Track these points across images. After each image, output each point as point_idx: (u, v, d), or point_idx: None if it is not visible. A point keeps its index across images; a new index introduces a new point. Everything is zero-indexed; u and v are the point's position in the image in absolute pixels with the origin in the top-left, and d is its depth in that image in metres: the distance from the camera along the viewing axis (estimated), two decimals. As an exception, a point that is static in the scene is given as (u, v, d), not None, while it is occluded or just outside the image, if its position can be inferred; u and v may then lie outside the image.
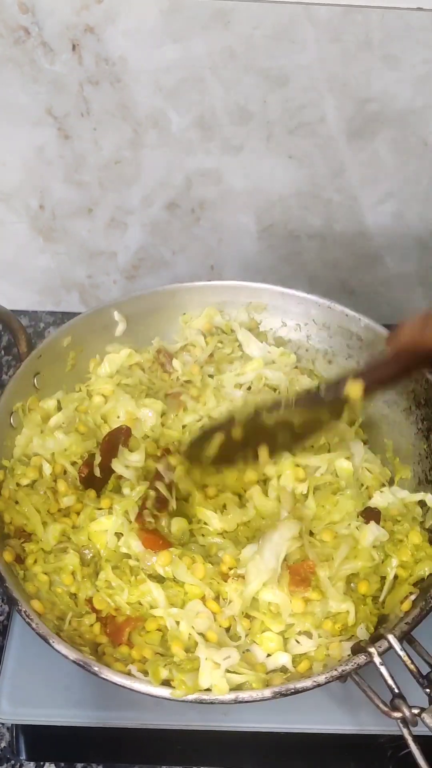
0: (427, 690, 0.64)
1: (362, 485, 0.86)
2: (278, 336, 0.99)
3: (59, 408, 0.90)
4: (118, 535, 0.78)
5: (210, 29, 0.89)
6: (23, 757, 0.80)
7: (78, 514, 0.81)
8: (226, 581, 0.74)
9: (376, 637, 0.68)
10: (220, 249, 1.14)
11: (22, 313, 1.21)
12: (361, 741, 0.79)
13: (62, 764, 0.79)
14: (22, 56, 0.92)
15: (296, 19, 0.88)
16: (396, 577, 0.77)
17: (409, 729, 0.62)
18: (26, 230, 1.11)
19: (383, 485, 0.86)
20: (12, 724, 0.81)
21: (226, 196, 1.06)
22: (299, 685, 0.65)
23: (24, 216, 1.09)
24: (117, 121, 0.98)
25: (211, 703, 0.65)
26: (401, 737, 0.71)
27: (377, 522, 0.79)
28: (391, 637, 0.66)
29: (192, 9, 0.88)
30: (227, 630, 0.73)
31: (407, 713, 0.62)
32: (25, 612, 0.69)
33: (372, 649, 0.65)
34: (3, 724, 0.81)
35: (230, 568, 0.75)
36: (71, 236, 1.12)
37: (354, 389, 0.69)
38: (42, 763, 0.79)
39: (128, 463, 0.83)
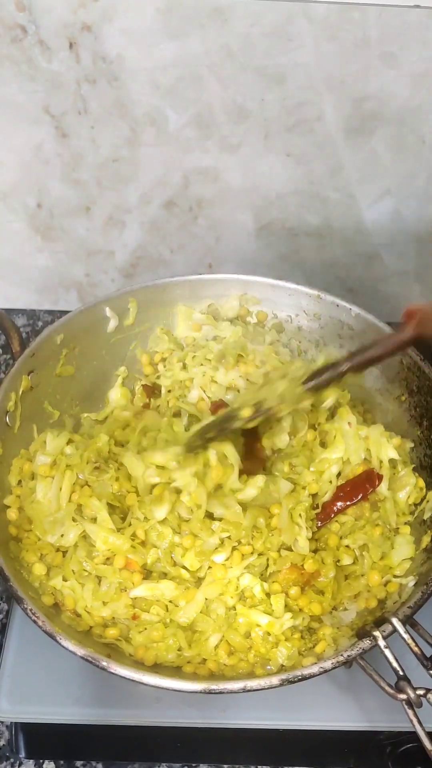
0: (431, 672, 0.65)
1: None
2: (277, 323, 1.00)
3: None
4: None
5: (207, 27, 0.89)
6: (22, 755, 0.80)
7: None
8: None
9: (380, 621, 0.68)
10: (217, 247, 1.14)
11: (20, 312, 1.21)
12: (360, 737, 0.79)
13: (62, 762, 0.79)
14: (19, 54, 0.92)
15: (293, 17, 0.88)
16: None
17: (414, 710, 0.64)
18: (24, 229, 1.11)
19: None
20: (11, 722, 0.81)
21: (224, 194, 1.07)
22: (306, 671, 0.66)
23: (22, 215, 1.09)
24: (114, 120, 0.98)
25: (220, 692, 0.65)
26: (401, 733, 0.72)
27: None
28: (395, 621, 0.67)
29: (189, 7, 0.88)
30: None
31: (412, 694, 0.64)
32: (30, 610, 0.69)
33: (376, 633, 0.67)
34: (2, 722, 0.81)
35: None
36: (69, 235, 1.12)
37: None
38: (41, 760, 0.79)
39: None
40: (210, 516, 0.78)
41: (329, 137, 1.00)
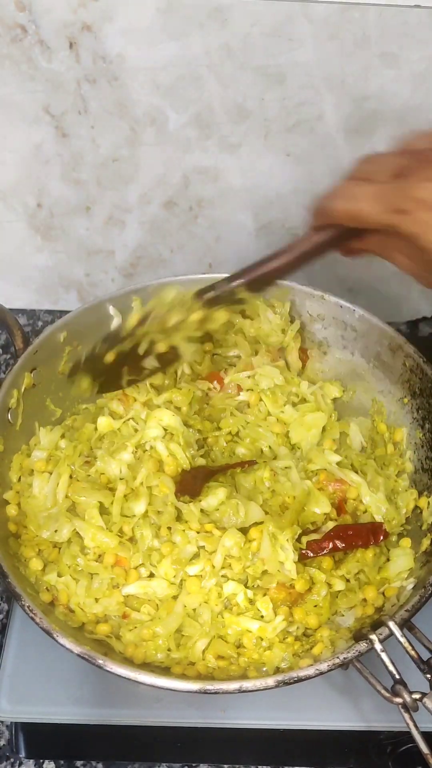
0: (428, 675, 0.66)
1: None
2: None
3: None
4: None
5: (207, 27, 0.89)
6: (22, 754, 0.80)
7: None
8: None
9: (376, 624, 0.68)
10: (217, 247, 1.14)
11: (20, 312, 1.21)
12: (360, 737, 0.79)
13: (62, 762, 0.79)
14: (19, 54, 0.92)
15: (293, 17, 0.88)
16: None
17: (410, 714, 0.64)
18: (24, 229, 1.11)
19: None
20: (11, 722, 0.81)
21: (224, 194, 1.06)
22: (302, 673, 0.65)
23: (22, 214, 1.09)
24: (114, 119, 0.98)
25: (216, 693, 0.65)
26: (401, 733, 0.72)
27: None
28: (391, 624, 0.67)
29: (189, 7, 0.88)
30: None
31: (408, 698, 0.64)
32: (28, 607, 0.69)
33: (373, 636, 0.67)
34: (2, 722, 0.81)
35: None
36: (69, 235, 1.12)
37: None
38: (41, 760, 0.79)
39: None
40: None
41: (329, 137, 1.00)
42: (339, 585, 0.77)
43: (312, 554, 0.78)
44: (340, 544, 0.78)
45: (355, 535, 0.79)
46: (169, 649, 0.73)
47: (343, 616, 0.77)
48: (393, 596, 0.76)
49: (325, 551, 0.78)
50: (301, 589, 0.75)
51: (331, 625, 0.76)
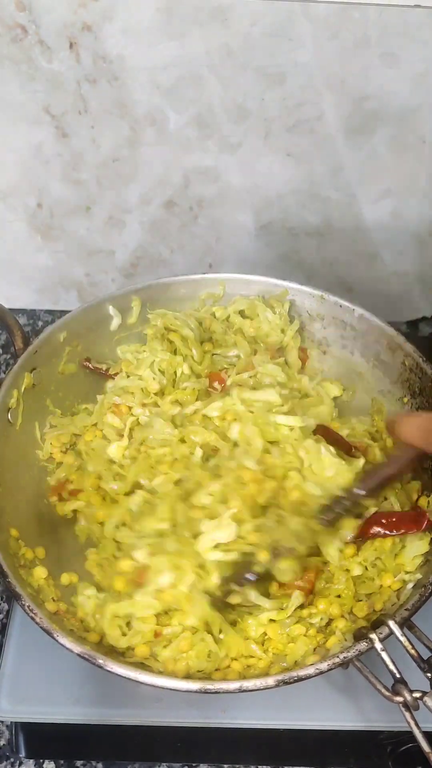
0: (428, 674, 0.65)
1: None
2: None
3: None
4: None
5: (207, 27, 0.89)
6: (23, 754, 0.80)
7: None
8: None
9: (376, 624, 0.68)
10: (218, 247, 1.14)
11: (21, 312, 1.21)
12: (360, 737, 0.79)
13: (62, 762, 0.79)
14: (20, 54, 0.92)
15: (294, 17, 0.88)
16: None
17: (411, 713, 0.64)
18: (24, 229, 1.11)
19: None
20: (11, 722, 0.81)
21: (224, 194, 1.07)
22: (302, 672, 0.65)
23: (22, 214, 1.09)
24: (115, 119, 0.98)
25: (216, 692, 0.65)
26: (401, 733, 0.72)
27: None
28: (391, 623, 0.67)
29: (189, 6, 0.88)
30: None
31: (408, 697, 0.64)
32: (28, 607, 0.69)
33: (373, 635, 0.66)
34: (2, 722, 0.81)
35: None
36: (69, 235, 1.12)
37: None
38: (41, 760, 0.79)
39: None
40: None
41: (329, 137, 1.00)
42: (357, 570, 0.77)
43: (353, 540, 0.79)
44: (382, 531, 0.78)
45: (399, 521, 0.79)
46: (209, 654, 0.72)
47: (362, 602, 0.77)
48: (393, 595, 0.76)
49: (367, 537, 0.79)
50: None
51: (348, 616, 0.76)
